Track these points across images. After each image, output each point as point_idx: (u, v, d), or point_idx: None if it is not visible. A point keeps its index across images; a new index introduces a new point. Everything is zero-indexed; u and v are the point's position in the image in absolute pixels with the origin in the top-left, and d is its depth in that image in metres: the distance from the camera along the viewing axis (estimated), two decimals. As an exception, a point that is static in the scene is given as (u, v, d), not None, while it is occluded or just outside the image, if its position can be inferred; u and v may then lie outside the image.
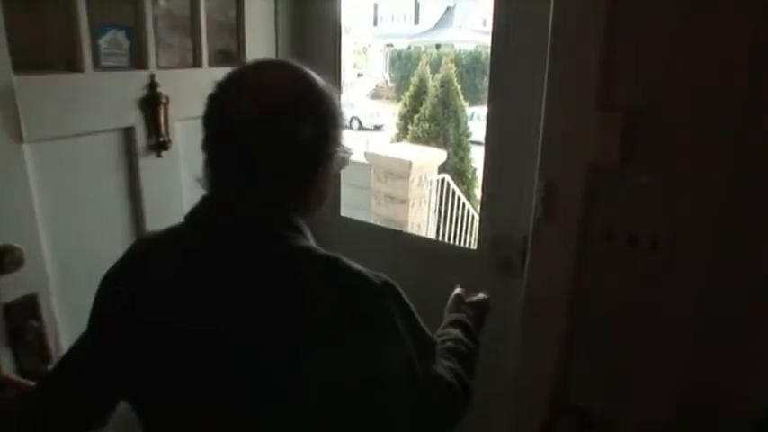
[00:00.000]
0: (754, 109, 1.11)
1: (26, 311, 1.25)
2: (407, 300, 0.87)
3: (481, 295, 1.23)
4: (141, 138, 1.47)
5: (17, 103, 1.19)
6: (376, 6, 25.76)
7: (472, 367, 1.03)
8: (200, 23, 1.62)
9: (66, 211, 1.34)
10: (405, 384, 0.84)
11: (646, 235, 1.27)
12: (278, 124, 0.81)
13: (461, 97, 9.63)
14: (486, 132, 1.63)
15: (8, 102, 1.17)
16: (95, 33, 1.38)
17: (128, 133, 1.44)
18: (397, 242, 1.99)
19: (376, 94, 20.27)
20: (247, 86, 0.84)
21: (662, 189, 1.23)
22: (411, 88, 10.47)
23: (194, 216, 0.87)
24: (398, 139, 10.18)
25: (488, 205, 1.67)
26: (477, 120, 10.75)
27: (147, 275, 0.88)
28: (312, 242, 0.88)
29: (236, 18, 1.77)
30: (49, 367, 1.09)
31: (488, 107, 1.62)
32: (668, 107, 1.20)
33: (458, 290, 1.24)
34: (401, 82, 17.71)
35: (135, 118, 1.45)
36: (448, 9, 24.85)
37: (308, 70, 0.88)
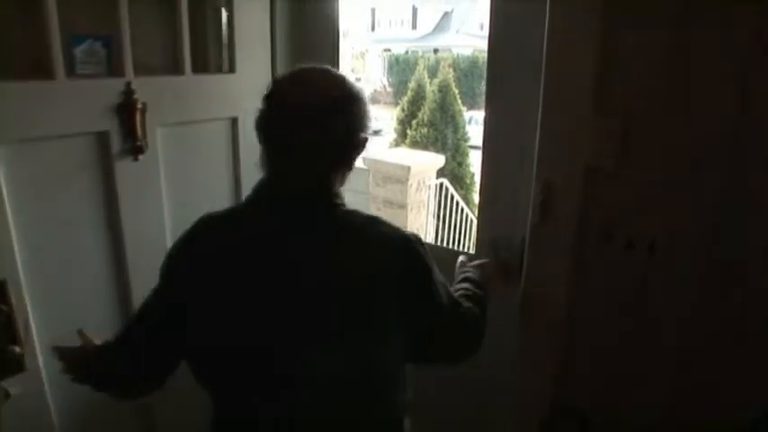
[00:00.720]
0: (749, 111, 1.11)
1: (-6, 297, 1.30)
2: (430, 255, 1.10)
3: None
4: (117, 142, 1.49)
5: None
6: (374, 11, 25.87)
7: (485, 311, 1.24)
8: (182, 30, 1.63)
9: (38, 207, 1.38)
10: (450, 309, 1.12)
11: (643, 237, 1.26)
12: (327, 117, 0.99)
13: (459, 102, 9.65)
14: (484, 135, 1.64)
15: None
16: (70, 43, 1.41)
17: (101, 137, 1.46)
18: None
19: (374, 99, 20.30)
20: (300, 87, 1.02)
21: (659, 192, 1.23)
22: (409, 93, 10.51)
23: (258, 193, 1.05)
24: (397, 143, 10.20)
25: (486, 208, 1.69)
26: (475, 124, 10.76)
27: (217, 243, 1.05)
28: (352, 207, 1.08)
29: (227, 24, 1.78)
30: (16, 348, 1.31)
31: (486, 110, 1.64)
32: (664, 110, 1.19)
33: (461, 257, 1.46)
34: (399, 87, 17.77)
35: (110, 123, 1.47)
36: (445, 14, 24.93)
37: (342, 74, 1.09)
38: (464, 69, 16.72)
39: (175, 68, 1.67)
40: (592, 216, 1.31)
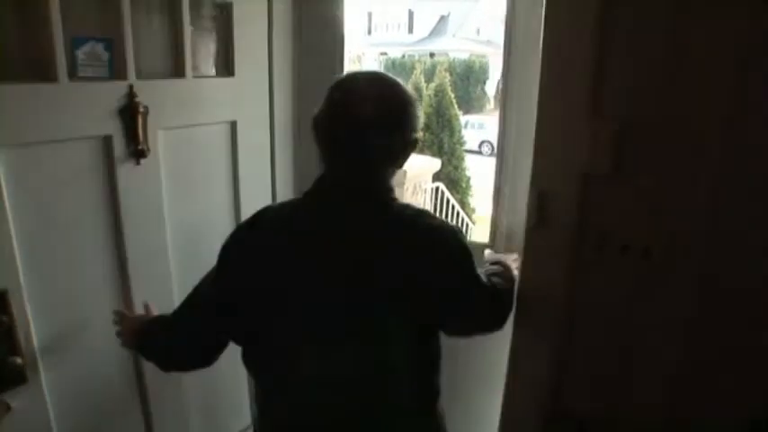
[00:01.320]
0: (746, 114, 1.12)
1: (-5, 307, 1.27)
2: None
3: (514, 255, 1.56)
4: (119, 146, 1.48)
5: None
6: (370, 15, 25.91)
7: (511, 295, 1.36)
8: (182, 34, 1.63)
9: (40, 213, 1.36)
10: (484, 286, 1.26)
11: (638, 243, 1.27)
12: (388, 121, 1.10)
13: (455, 106, 9.68)
14: (499, 131, 1.78)
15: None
16: (72, 45, 1.39)
17: (105, 141, 1.45)
18: None
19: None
20: (362, 92, 1.12)
21: (654, 196, 1.23)
22: (405, 97, 10.52)
23: (319, 189, 1.15)
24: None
25: (498, 200, 1.81)
26: (471, 128, 10.79)
27: (277, 235, 1.15)
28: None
29: (225, 29, 1.78)
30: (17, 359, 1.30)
31: (500, 108, 1.79)
32: (659, 117, 1.20)
33: (487, 251, 1.63)
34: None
35: (113, 127, 1.45)
36: (442, 18, 24.99)
37: (397, 79, 1.17)
38: (460, 74, 16.77)
39: (176, 72, 1.66)
40: (587, 221, 1.31)
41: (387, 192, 1.16)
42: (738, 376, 1.23)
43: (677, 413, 1.31)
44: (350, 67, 2.09)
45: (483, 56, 19.33)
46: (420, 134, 1.20)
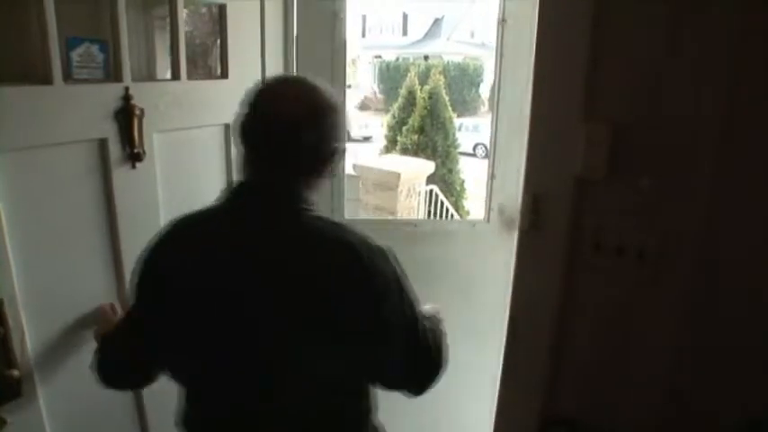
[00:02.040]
0: (736, 115, 1.12)
1: (-10, 317, 1.24)
2: (401, 266, 1.11)
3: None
4: (115, 149, 1.46)
5: (-17, 114, 1.18)
6: (364, 18, 25.89)
7: (445, 343, 1.22)
8: (178, 36, 1.62)
9: (35, 218, 1.33)
10: (411, 329, 1.10)
11: (633, 245, 1.27)
12: (302, 128, 1.05)
13: (450, 108, 9.68)
14: (492, 118, 2.04)
15: (-27, 113, 1.17)
16: (66, 46, 1.37)
17: (101, 144, 1.43)
18: (407, 229, 2.32)
19: (364, 106, 20.34)
20: (278, 97, 1.09)
21: (647, 198, 1.24)
22: (399, 100, 10.54)
23: (230, 197, 1.10)
24: (387, 150, 10.22)
25: (494, 181, 2.08)
26: (465, 131, 10.80)
27: (188, 248, 1.09)
28: (324, 214, 1.11)
29: (220, 30, 1.78)
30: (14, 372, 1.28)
31: (491, 97, 2.06)
32: (654, 118, 1.21)
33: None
34: (390, 93, 17.80)
35: (108, 129, 1.44)
36: (436, 21, 25.01)
37: (321, 85, 1.11)
38: (454, 76, 16.79)
39: (173, 74, 1.65)
40: (581, 223, 1.32)
41: (300, 201, 1.08)
42: (735, 377, 1.24)
43: (674, 414, 1.32)
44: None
45: (477, 58, 19.34)
46: (344, 145, 1.14)
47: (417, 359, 1.13)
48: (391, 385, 1.15)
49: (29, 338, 1.33)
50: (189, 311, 1.06)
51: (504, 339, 1.51)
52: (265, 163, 1.07)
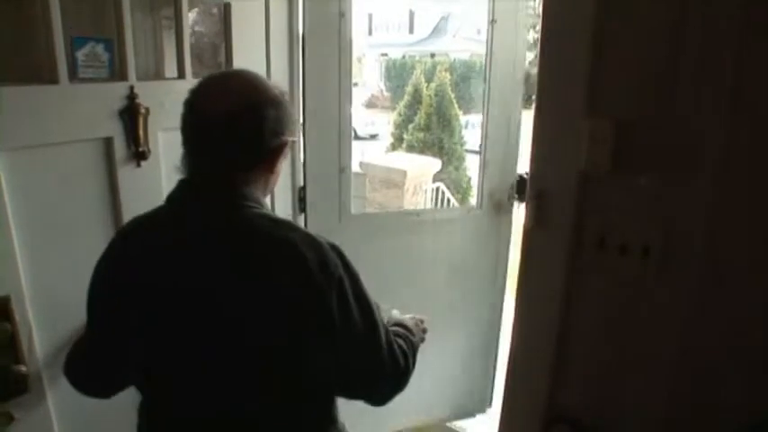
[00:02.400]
0: (740, 111, 1.12)
1: (-2, 313, 1.26)
2: (353, 266, 1.05)
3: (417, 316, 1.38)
4: (120, 147, 1.48)
5: (-10, 113, 1.20)
6: (371, 16, 25.89)
7: (414, 353, 1.20)
8: (182, 36, 1.63)
9: (41, 216, 1.35)
10: (367, 332, 1.05)
11: (637, 242, 1.27)
12: (237, 122, 1.00)
13: (456, 106, 9.66)
14: (483, 112, 2.27)
15: (-18, 112, 1.19)
16: (72, 46, 1.39)
17: (106, 143, 1.45)
18: (410, 219, 2.50)
19: (371, 104, 20.33)
20: (213, 92, 1.04)
21: (651, 195, 1.23)
22: (406, 97, 10.52)
23: (173, 196, 1.06)
24: (393, 148, 10.21)
25: (485, 169, 2.33)
26: (471, 128, 10.76)
27: (133, 251, 1.06)
28: (267, 210, 1.08)
29: (224, 29, 1.80)
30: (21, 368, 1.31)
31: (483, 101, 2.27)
32: (655, 117, 1.20)
33: (394, 311, 1.37)
34: (396, 91, 17.79)
35: (114, 128, 1.45)
36: (442, 18, 24.97)
37: (262, 78, 1.09)
38: (461, 74, 16.74)
39: (177, 73, 1.67)
40: (585, 220, 1.32)
41: (240, 197, 1.03)
42: (738, 377, 1.23)
43: (676, 414, 1.31)
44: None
45: (483, 56, 19.27)
46: (287, 138, 1.08)
47: (377, 368, 1.08)
48: (349, 393, 1.12)
49: (36, 335, 1.35)
50: (138, 317, 1.02)
51: (510, 337, 1.52)
52: (201, 159, 1.03)
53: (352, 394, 1.12)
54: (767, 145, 1.12)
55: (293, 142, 1.14)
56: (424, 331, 1.37)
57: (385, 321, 1.13)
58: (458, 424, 2.74)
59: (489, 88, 2.23)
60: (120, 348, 1.08)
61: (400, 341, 1.16)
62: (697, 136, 1.17)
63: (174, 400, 1.06)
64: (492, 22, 2.19)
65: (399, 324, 1.28)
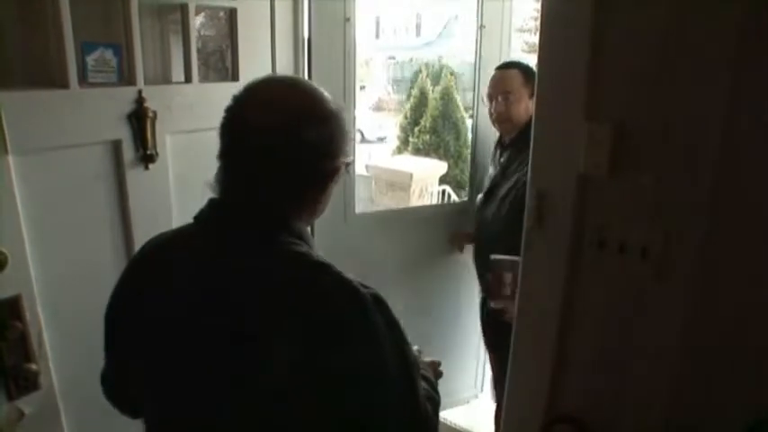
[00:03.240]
0: (739, 113, 1.13)
1: (10, 312, 1.28)
2: (395, 315, 0.89)
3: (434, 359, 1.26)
4: (129, 150, 1.50)
5: (2, 117, 1.23)
6: (378, 19, 25.93)
7: (437, 412, 1.03)
8: (189, 40, 1.66)
9: (52, 218, 1.37)
10: (395, 393, 0.89)
11: (636, 243, 1.28)
12: (283, 138, 0.86)
13: (462, 109, 9.66)
14: (473, 114, 2.53)
15: (-7, 115, 1.22)
16: (82, 51, 1.42)
17: (115, 146, 1.48)
18: (410, 216, 2.74)
19: (378, 107, 20.34)
20: (261, 102, 0.89)
21: (651, 198, 1.24)
22: (411, 100, 10.52)
23: (203, 218, 0.93)
24: (399, 150, 10.21)
25: (476, 171, 2.54)
26: (478, 131, 10.74)
27: (156, 277, 0.94)
28: (311, 247, 0.92)
29: (230, 32, 1.82)
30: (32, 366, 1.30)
31: (472, 96, 2.49)
32: (656, 117, 1.21)
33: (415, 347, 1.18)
34: (403, 94, 17.78)
35: (122, 132, 1.48)
36: (449, 21, 24.96)
37: (316, 88, 0.93)
38: (468, 76, 16.73)
39: (184, 77, 1.69)
40: (585, 222, 1.32)
41: (278, 230, 0.89)
42: (738, 377, 1.24)
43: (676, 414, 1.32)
44: (358, 71, 2.15)
45: (490, 59, 19.24)
46: (341, 161, 0.93)
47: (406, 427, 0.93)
48: None
49: (46, 333, 1.37)
50: (146, 344, 0.92)
51: (512, 339, 1.53)
52: (237, 178, 0.90)
53: None
54: (765, 147, 1.13)
55: (347, 165, 0.97)
56: (439, 375, 1.25)
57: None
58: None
59: (479, 89, 2.38)
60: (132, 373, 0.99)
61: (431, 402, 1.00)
62: (695, 138, 1.18)
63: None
64: (481, 27, 2.34)
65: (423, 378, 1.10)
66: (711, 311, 1.23)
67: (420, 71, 11.60)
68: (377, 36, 25.89)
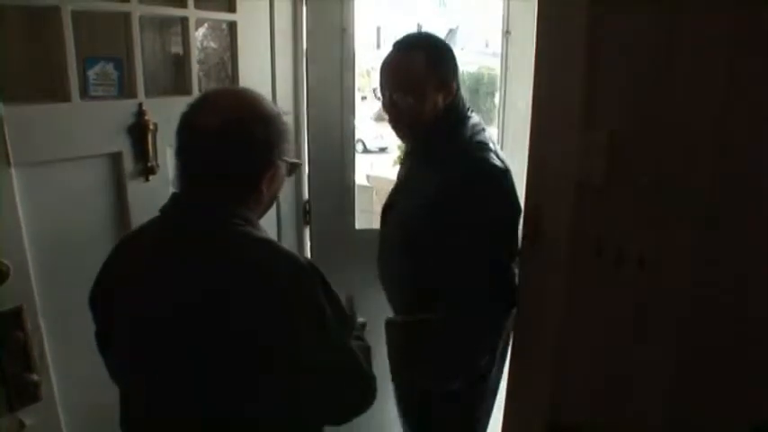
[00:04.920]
0: (732, 125, 1.14)
1: (11, 322, 1.30)
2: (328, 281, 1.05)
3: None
4: (129, 163, 1.52)
5: (5, 130, 1.25)
6: (379, 29, 26.00)
7: (369, 361, 1.19)
8: (190, 53, 1.68)
9: (53, 230, 1.39)
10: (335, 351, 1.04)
11: (632, 253, 1.28)
12: (228, 137, 1.01)
13: (462, 118, 9.65)
14: (498, 125, 2.26)
15: (-3, 129, 1.24)
16: (84, 65, 1.44)
17: (115, 158, 1.49)
18: None
19: (380, 117, 20.36)
20: (206, 106, 1.05)
21: (647, 208, 1.25)
22: (412, 110, 10.52)
23: (165, 210, 1.08)
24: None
25: None
26: (480, 140, 10.73)
27: (124, 267, 1.09)
28: (257, 229, 1.07)
29: (230, 47, 1.85)
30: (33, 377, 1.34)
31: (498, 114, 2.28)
32: (651, 128, 1.22)
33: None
34: (405, 104, 17.77)
35: (122, 144, 1.50)
36: (450, 31, 25.01)
37: (259, 96, 1.10)
38: (470, 86, 16.74)
39: (184, 89, 1.71)
40: (582, 231, 1.32)
41: (225, 214, 1.03)
42: (736, 383, 1.24)
43: (676, 422, 1.32)
44: (356, 82, 2.15)
45: (492, 68, 19.28)
46: (276, 158, 1.08)
47: (345, 395, 1.09)
48: (315, 420, 1.13)
49: (47, 344, 1.38)
50: (119, 334, 1.06)
51: (510, 349, 1.54)
52: (191, 172, 1.05)
53: (317, 421, 1.14)
54: (759, 157, 1.14)
55: (293, 165, 1.14)
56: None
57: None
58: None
59: (505, 100, 2.23)
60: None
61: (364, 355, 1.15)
62: (691, 148, 1.19)
63: (144, 406, 1.06)
64: (506, 33, 2.19)
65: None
66: (710, 319, 1.24)
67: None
68: (378, 46, 25.97)
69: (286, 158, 1.11)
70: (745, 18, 1.10)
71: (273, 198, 1.16)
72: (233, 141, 1.02)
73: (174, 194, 1.08)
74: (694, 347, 1.26)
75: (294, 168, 1.17)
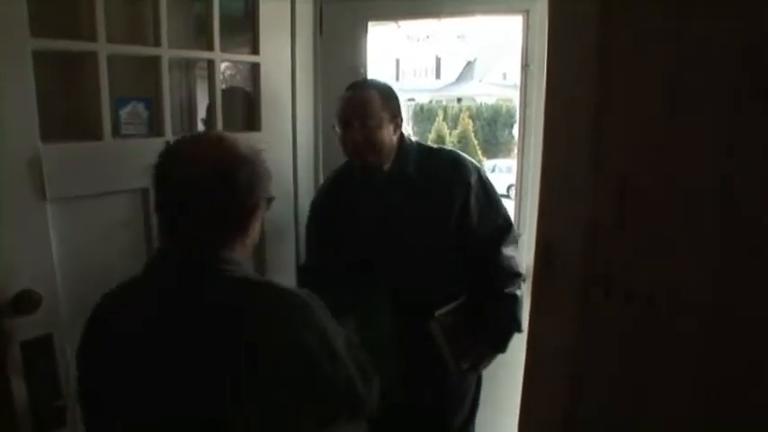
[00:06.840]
0: (737, 157, 1.16)
1: (41, 350, 1.34)
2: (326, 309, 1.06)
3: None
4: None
5: (42, 167, 1.32)
6: (398, 62, 26.38)
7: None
8: (215, 93, 1.76)
9: (83, 261, 1.44)
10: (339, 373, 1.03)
11: (642, 291, 1.29)
12: (213, 188, 1.00)
13: (479, 152, 9.72)
14: (518, 160, 2.26)
15: (35, 166, 1.31)
16: (116, 105, 1.52)
17: (143, 194, 1.56)
18: None
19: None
20: (184, 159, 1.04)
21: (657, 247, 1.26)
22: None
23: (149, 266, 1.07)
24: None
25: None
26: (498, 172, 10.76)
27: (109, 328, 1.06)
28: (249, 271, 1.08)
29: (253, 88, 1.92)
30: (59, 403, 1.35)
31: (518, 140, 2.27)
32: (657, 173, 1.24)
33: None
34: (423, 136, 17.97)
35: (150, 180, 1.55)
36: (468, 63, 25.30)
37: (232, 138, 1.09)
38: (488, 118, 16.86)
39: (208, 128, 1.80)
40: (592, 269, 1.33)
41: (220, 263, 1.01)
42: (752, 420, 1.24)
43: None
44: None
45: (510, 100, 19.37)
46: (262, 196, 1.08)
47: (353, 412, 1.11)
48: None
49: (72, 371, 1.41)
50: (109, 392, 1.04)
51: (521, 387, 1.54)
52: (175, 226, 1.04)
53: None
54: (764, 196, 1.16)
55: (269, 200, 1.14)
56: None
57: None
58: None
59: (524, 133, 2.25)
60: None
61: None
62: (697, 193, 1.21)
63: None
64: (525, 67, 2.21)
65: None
66: (720, 358, 1.24)
67: (437, 115, 11.75)
68: (397, 78, 26.28)
69: (267, 196, 1.12)
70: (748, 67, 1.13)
71: (259, 235, 1.15)
72: (218, 191, 1.01)
73: (159, 251, 1.08)
74: (706, 386, 1.26)
75: (270, 202, 1.16)
